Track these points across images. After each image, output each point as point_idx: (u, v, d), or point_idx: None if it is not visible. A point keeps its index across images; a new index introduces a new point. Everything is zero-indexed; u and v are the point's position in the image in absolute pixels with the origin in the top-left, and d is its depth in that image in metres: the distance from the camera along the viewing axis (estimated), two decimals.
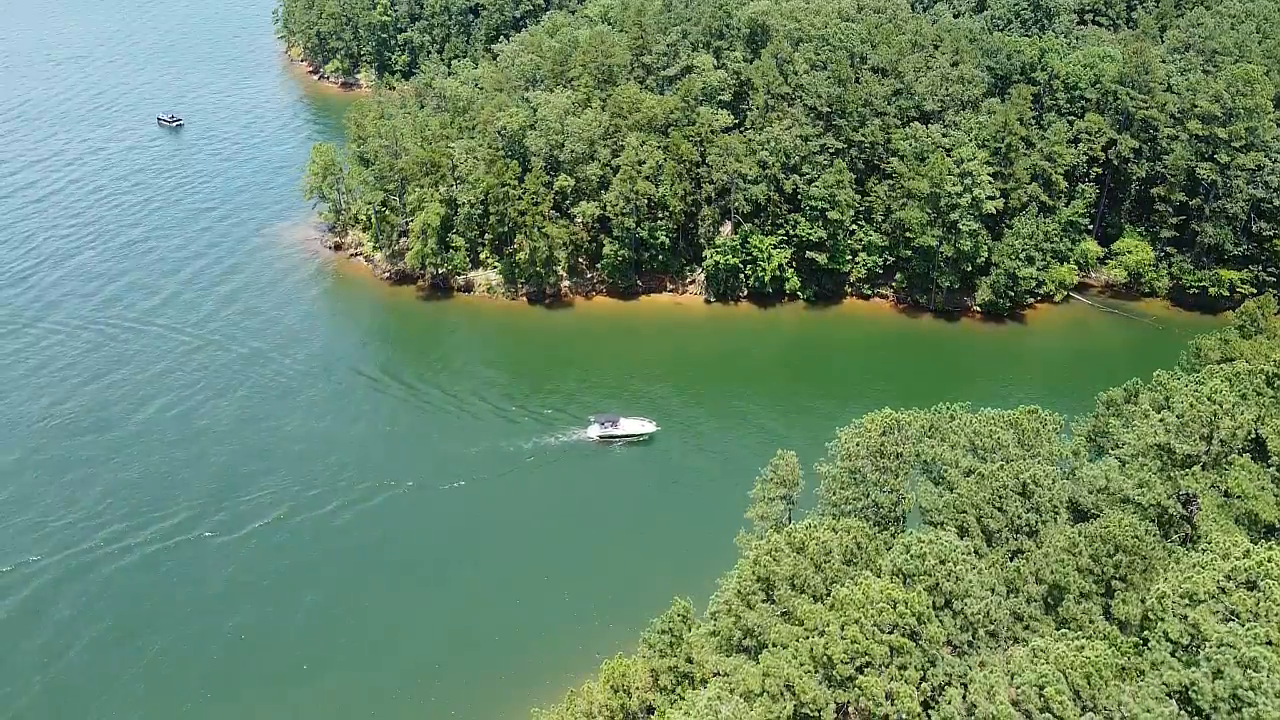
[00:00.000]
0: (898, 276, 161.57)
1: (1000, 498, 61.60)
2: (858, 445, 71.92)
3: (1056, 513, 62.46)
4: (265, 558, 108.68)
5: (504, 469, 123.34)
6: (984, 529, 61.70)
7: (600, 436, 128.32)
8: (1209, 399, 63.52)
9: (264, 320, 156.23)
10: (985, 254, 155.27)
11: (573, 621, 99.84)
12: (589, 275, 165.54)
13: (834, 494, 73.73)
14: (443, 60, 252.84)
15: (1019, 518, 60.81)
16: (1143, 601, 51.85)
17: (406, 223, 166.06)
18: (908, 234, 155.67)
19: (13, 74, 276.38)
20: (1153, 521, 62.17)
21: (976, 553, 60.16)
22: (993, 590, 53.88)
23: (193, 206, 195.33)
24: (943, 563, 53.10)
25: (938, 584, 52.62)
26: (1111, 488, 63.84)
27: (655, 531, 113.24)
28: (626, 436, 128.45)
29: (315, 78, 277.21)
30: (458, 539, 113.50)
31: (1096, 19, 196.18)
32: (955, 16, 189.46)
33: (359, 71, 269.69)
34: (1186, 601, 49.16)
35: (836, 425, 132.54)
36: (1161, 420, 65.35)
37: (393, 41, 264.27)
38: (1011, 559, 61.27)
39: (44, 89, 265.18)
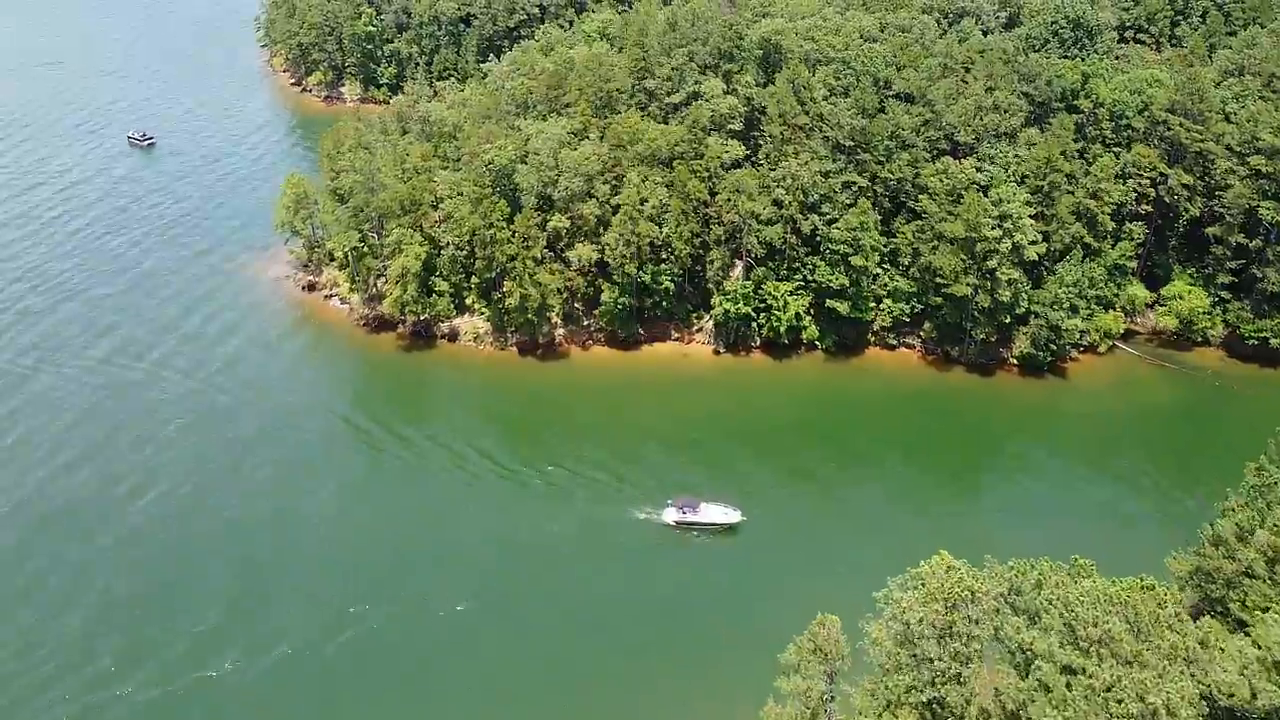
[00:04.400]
0: (926, 325, 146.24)
1: None
2: (920, 621, 56.91)
3: None
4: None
5: (498, 570, 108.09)
6: None
7: (677, 523, 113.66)
8: None
9: (227, 376, 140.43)
10: (1025, 305, 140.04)
11: None
12: (586, 322, 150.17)
13: (889, 679, 58.79)
14: (431, 73, 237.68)
15: None
16: None
17: (384, 265, 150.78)
18: (938, 280, 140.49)
19: None
20: None
21: None
22: None
23: (156, 239, 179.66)
24: None
25: None
26: (1260, 703, 49.29)
27: (646, 665, 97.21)
28: (706, 525, 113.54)
29: (298, 90, 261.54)
30: (431, 662, 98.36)
31: (1138, 36, 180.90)
32: (985, 34, 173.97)
33: (343, 84, 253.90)
34: None
35: (865, 506, 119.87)
36: None
37: (379, 53, 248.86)
38: None
39: (14, 98, 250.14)
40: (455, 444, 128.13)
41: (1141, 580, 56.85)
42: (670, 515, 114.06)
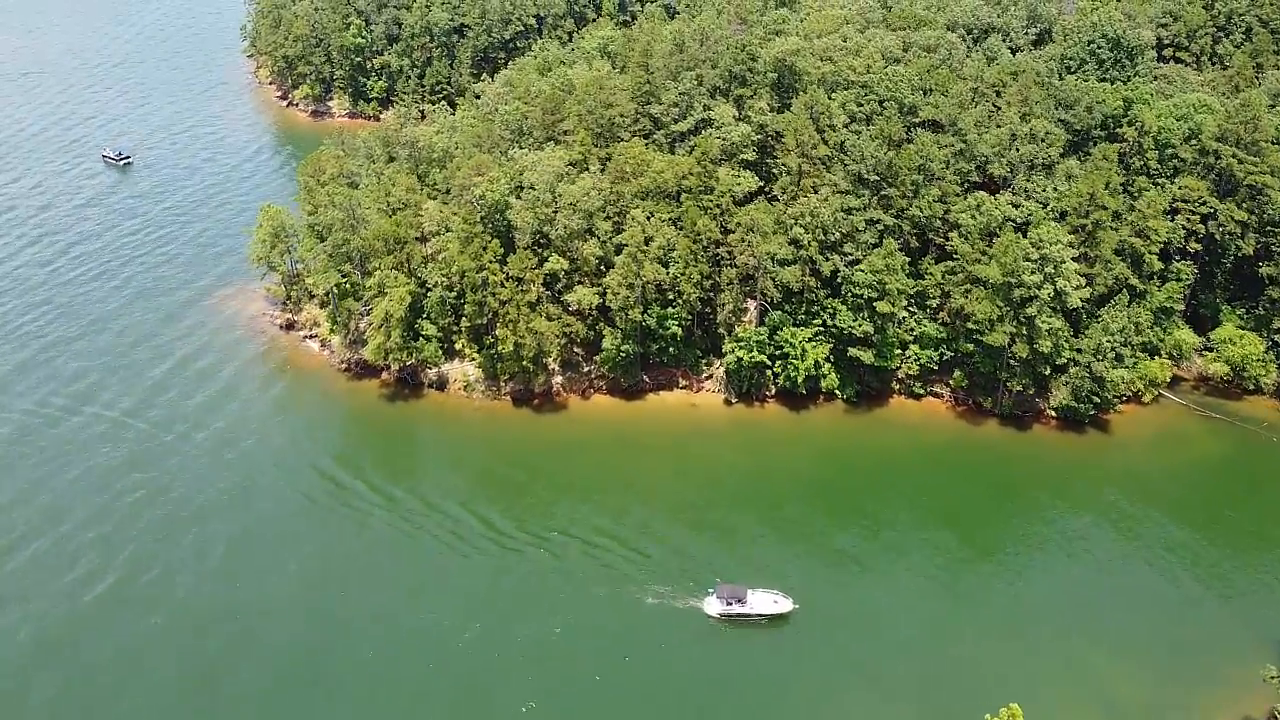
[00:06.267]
0: (955, 374, 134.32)
1: None
2: None
3: None
4: None
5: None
6: None
7: (722, 615, 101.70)
8: None
9: (198, 431, 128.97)
10: (1067, 355, 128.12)
11: None
12: (586, 369, 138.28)
13: None
14: (423, 87, 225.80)
15: None
16: None
17: (367, 307, 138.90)
18: (970, 326, 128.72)
19: None
20: None
21: None
22: None
23: (129, 273, 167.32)
24: None
25: None
26: None
27: None
28: (755, 616, 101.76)
29: (284, 104, 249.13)
30: None
31: (1178, 55, 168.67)
32: (1013, 52, 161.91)
33: (331, 98, 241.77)
34: None
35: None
36: None
37: (368, 66, 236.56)
38: None
39: None
40: (446, 510, 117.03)
41: None
42: (714, 606, 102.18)
